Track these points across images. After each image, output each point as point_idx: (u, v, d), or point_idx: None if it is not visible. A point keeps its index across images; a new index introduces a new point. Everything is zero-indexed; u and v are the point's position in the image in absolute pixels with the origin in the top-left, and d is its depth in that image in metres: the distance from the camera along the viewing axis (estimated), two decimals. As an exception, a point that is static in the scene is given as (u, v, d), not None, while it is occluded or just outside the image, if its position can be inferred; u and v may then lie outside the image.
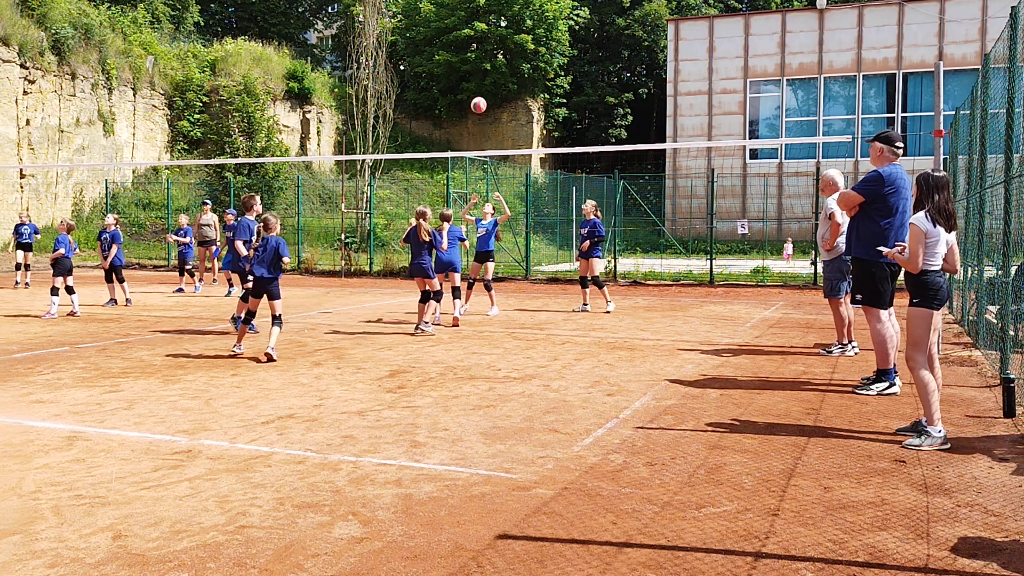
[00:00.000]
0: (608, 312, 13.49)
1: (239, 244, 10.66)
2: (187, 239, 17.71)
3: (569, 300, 15.87)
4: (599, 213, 13.82)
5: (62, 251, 13.03)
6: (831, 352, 9.30)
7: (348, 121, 35.19)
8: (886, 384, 7.14)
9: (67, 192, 28.69)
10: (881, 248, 6.29)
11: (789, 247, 27.52)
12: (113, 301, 14.51)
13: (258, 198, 10.95)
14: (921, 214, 5.61)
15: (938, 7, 32.49)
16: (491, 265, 13.25)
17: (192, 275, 17.69)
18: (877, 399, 6.97)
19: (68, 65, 28.26)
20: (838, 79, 34.35)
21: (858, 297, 7.10)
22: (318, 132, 39.36)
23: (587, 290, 13.91)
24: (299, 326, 11.87)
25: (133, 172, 32.17)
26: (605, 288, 13.75)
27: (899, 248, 5.84)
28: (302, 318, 12.88)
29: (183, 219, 18.16)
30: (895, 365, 7.20)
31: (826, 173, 9.10)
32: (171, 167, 32.61)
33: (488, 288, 13.27)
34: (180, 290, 17.24)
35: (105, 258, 14.59)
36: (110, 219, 15.21)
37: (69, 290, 13.08)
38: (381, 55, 31.78)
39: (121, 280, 14.62)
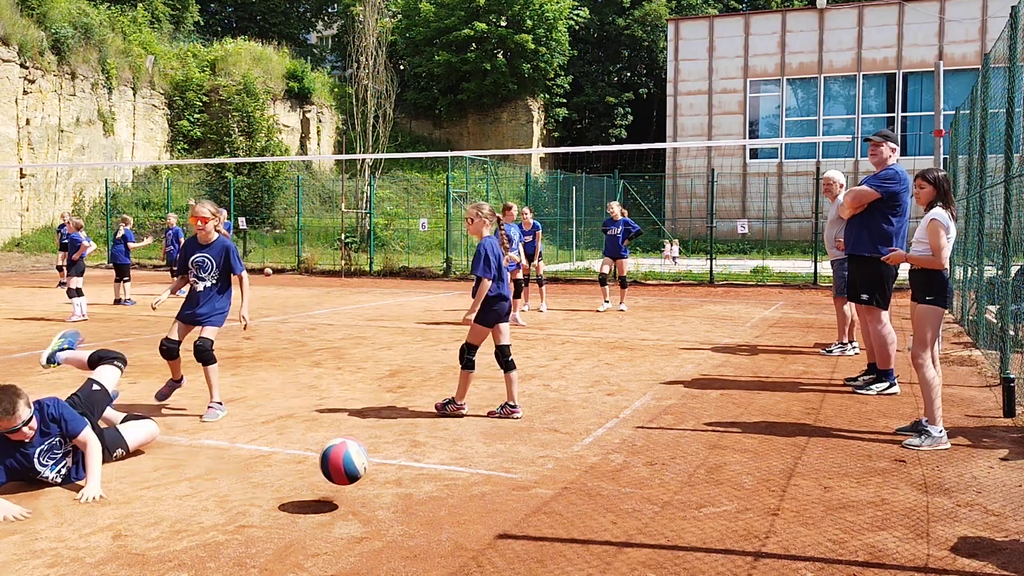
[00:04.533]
0: (621, 311, 13.64)
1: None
2: (181, 239, 17.66)
3: (569, 299, 15.86)
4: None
5: (92, 248, 13.31)
6: (831, 352, 9.30)
7: (348, 121, 35.20)
8: (886, 384, 7.15)
9: (67, 192, 28.69)
10: (889, 253, 6.15)
11: (675, 248, 26.87)
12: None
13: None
14: (941, 210, 5.61)
15: (938, 7, 32.49)
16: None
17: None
18: (877, 399, 6.97)
19: (68, 65, 28.27)
20: (838, 79, 34.35)
21: (864, 297, 7.09)
22: (318, 132, 39.36)
23: (607, 288, 14.07)
24: (299, 326, 11.87)
25: (133, 172, 32.18)
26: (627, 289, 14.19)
27: (892, 252, 5.87)
28: (302, 318, 12.88)
29: (172, 219, 18.09)
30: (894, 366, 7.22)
31: (830, 175, 9.06)
32: (171, 167, 32.63)
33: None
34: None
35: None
36: (124, 220, 16.54)
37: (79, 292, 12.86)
38: (381, 55, 31.79)
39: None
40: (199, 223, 6.34)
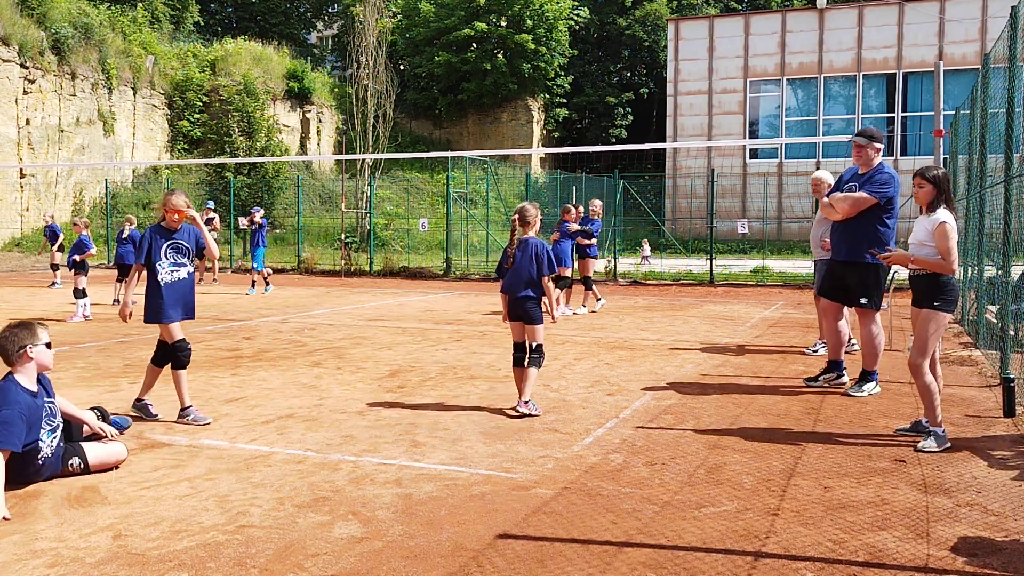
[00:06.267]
0: (575, 314, 13.23)
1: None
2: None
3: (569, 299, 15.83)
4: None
5: (93, 251, 13.35)
6: (816, 351, 9.34)
7: (348, 121, 35.21)
8: (874, 384, 7.17)
9: (67, 192, 28.70)
10: (890, 254, 5.84)
11: (647, 248, 27.04)
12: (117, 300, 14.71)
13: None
14: (948, 212, 5.46)
15: (938, 7, 32.49)
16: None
17: None
18: (877, 399, 6.98)
19: (68, 65, 28.28)
20: (838, 79, 34.36)
21: (863, 301, 7.09)
22: (318, 132, 39.37)
23: (594, 288, 13.91)
24: (299, 326, 11.87)
25: (133, 172, 32.19)
26: (584, 291, 13.82)
27: (896, 252, 5.69)
28: (302, 318, 12.88)
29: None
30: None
31: (819, 175, 8.94)
32: (171, 167, 32.63)
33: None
34: None
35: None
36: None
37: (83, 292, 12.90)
38: (381, 55, 31.80)
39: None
40: (175, 215, 6.13)
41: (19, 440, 4.41)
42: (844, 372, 7.48)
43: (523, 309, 6.42)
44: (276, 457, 5.24)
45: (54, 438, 4.74)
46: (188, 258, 6.25)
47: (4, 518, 4.12)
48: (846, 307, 7.46)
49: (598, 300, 13.85)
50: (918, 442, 5.47)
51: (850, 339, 9.33)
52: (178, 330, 6.19)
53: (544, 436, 5.75)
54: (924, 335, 5.45)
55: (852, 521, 4.12)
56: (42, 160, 26.85)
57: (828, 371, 7.47)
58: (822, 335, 9.39)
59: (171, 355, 6.18)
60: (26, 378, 4.66)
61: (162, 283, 6.11)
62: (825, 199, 7.45)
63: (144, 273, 6.20)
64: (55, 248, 18.56)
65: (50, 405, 4.77)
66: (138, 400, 6.34)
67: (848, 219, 7.05)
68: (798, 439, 5.67)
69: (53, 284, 18.57)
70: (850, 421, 6.19)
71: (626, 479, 4.79)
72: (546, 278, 6.44)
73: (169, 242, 6.15)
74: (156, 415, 6.29)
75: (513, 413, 6.35)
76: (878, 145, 7.10)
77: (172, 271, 6.15)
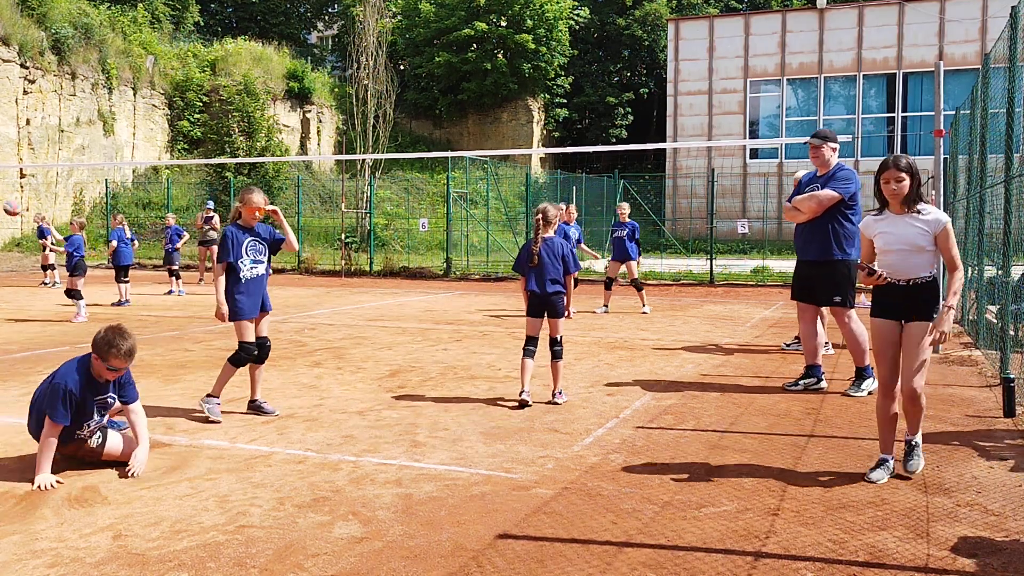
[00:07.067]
0: (644, 314, 13.49)
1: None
2: (184, 238, 17.71)
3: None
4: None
5: (81, 252, 13.32)
6: (789, 346, 9.49)
7: (348, 121, 35.21)
8: (871, 381, 7.15)
9: (67, 192, 28.70)
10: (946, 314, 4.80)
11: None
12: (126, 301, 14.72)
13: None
14: (943, 212, 4.93)
15: (938, 7, 32.49)
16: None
17: (178, 276, 17.09)
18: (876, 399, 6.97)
19: (68, 65, 28.28)
20: (838, 79, 34.36)
21: (837, 299, 7.08)
22: (318, 132, 39.36)
23: (610, 292, 14.05)
24: (299, 326, 11.87)
25: (133, 172, 32.19)
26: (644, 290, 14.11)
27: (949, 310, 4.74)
28: (302, 318, 12.88)
29: (171, 219, 18.10)
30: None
31: (801, 175, 8.90)
32: (171, 167, 32.64)
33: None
34: (171, 292, 17.03)
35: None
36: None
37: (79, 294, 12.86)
38: (381, 55, 31.81)
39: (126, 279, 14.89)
40: (255, 213, 6.27)
41: (66, 418, 4.72)
42: (823, 376, 7.36)
43: (551, 304, 6.83)
44: (276, 457, 5.24)
45: (101, 415, 4.95)
46: (265, 254, 6.39)
47: (57, 482, 4.60)
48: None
49: (604, 305, 13.88)
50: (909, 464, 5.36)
51: (827, 342, 9.33)
52: (250, 331, 6.30)
53: (544, 436, 5.75)
54: (925, 349, 4.77)
55: (852, 521, 4.12)
56: (42, 160, 26.85)
57: (806, 376, 7.36)
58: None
59: (238, 351, 6.32)
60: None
61: (243, 279, 6.22)
62: (787, 203, 7.43)
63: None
64: (45, 249, 18.74)
65: (110, 399, 4.96)
66: (251, 402, 6.49)
67: (813, 219, 7.07)
68: (798, 439, 5.67)
69: (54, 284, 18.58)
70: (850, 421, 6.19)
71: (626, 479, 4.79)
72: (570, 275, 6.89)
73: (249, 239, 6.29)
74: (273, 411, 6.42)
75: (555, 405, 6.72)
76: (833, 145, 7.15)
77: (252, 267, 6.27)
